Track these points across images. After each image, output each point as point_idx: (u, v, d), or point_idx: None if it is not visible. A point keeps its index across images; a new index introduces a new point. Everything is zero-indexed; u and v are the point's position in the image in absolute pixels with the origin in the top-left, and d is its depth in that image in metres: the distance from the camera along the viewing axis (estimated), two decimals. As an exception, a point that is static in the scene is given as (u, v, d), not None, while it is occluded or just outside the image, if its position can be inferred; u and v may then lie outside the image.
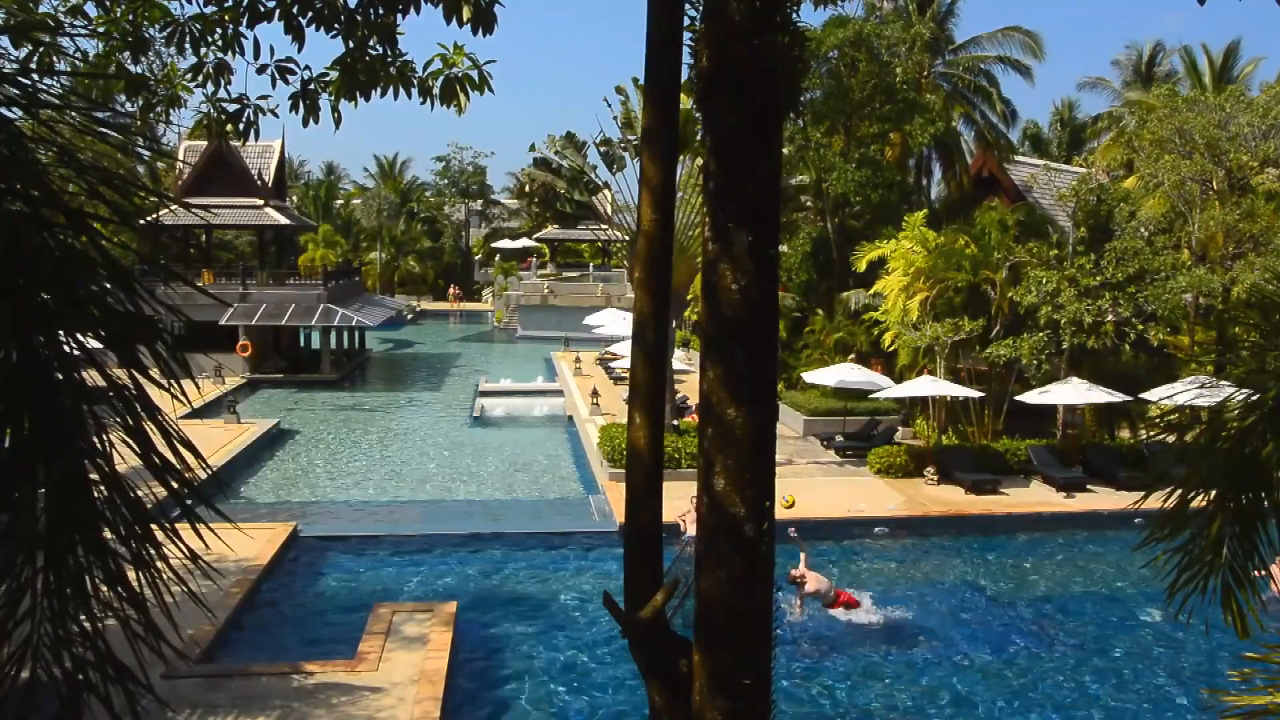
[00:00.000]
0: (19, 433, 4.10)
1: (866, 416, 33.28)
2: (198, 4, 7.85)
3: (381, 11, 7.89)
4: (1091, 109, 68.99)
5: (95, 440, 4.25)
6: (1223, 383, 6.66)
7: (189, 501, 4.52)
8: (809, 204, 42.86)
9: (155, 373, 4.44)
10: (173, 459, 4.39)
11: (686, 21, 5.35)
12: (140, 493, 4.41)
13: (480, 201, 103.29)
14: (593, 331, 48.63)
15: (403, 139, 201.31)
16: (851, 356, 33.05)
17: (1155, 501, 6.37)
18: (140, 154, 9.28)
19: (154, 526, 4.42)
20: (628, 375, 6.20)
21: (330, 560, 22.05)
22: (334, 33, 7.88)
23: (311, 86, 8.26)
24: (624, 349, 40.77)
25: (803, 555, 19.35)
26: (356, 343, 56.87)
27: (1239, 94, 34.90)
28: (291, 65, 8.22)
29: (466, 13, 7.51)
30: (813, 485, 27.32)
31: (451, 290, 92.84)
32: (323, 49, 8.19)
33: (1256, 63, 50.68)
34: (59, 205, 4.23)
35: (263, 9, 7.74)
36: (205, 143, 47.37)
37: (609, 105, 31.79)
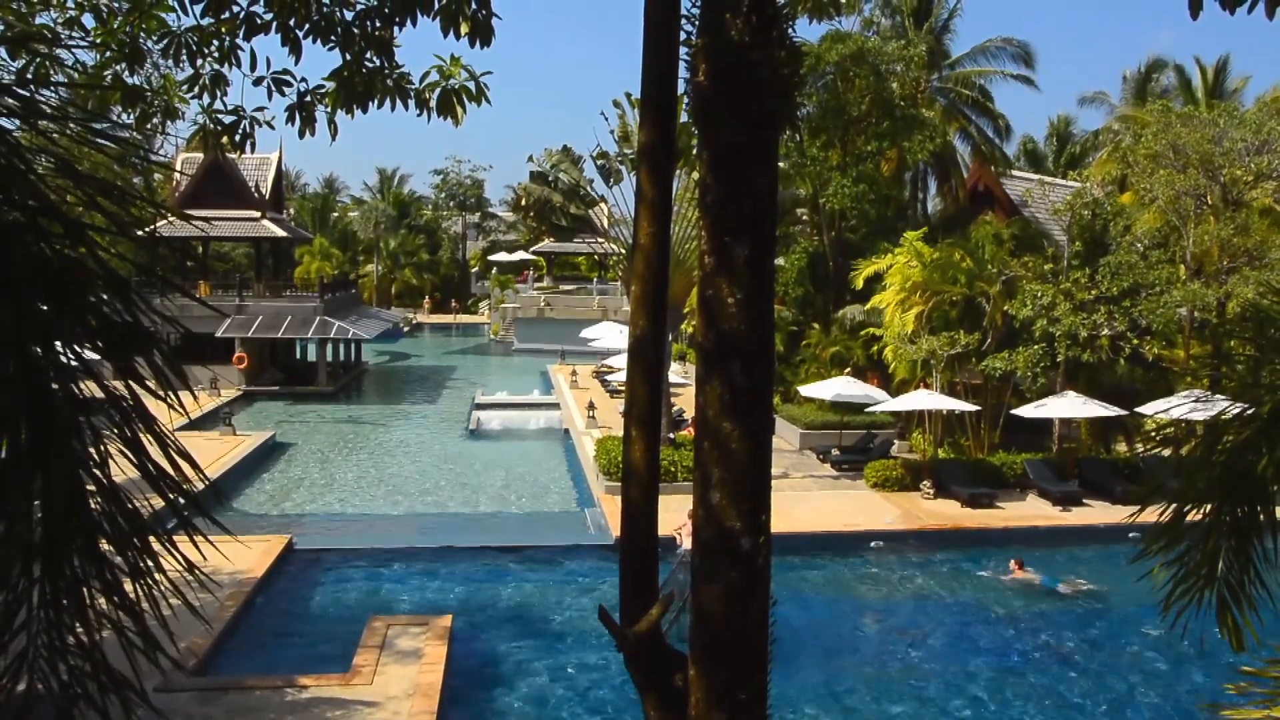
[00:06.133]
0: (16, 442, 4.09)
1: (863, 430, 33.31)
2: (194, 16, 7.86)
3: (379, 24, 7.90)
4: (1091, 125, 69.13)
5: (92, 451, 4.24)
6: (1218, 397, 6.68)
7: (186, 513, 4.51)
8: (805, 217, 42.96)
9: (152, 383, 4.44)
10: (170, 470, 4.38)
11: (683, 35, 5.37)
12: (136, 503, 4.40)
13: (478, 214, 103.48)
14: (589, 344, 48.67)
15: (400, 153, 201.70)
16: (848, 370, 33.08)
17: (1151, 515, 6.37)
18: (138, 165, 9.31)
19: (151, 537, 4.41)
20: (624, 388, 6.19)
21: (325, 573, 22.00)
22: (330, 45, 7.89)
23: (308, 98, 8.26)
24: (620, 362, 40.80)
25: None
26: (352, 355, 56.85)
27: (1232, 109, 35.07)
28: (288, 77, 8.23)
29: (464, 26, 7.53)
30: (809, 498, 27.32)
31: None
32: (319, 61, 8.22)
33: (1247, 80, 51.05)
34: (57, 215, 4.23)
35: (259, 21, 7.75)
36: (203, 155, 47.36)
37: (605, 119, 31.97)
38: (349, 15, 7.84)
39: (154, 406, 4.48)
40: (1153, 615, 18.86)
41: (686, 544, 17.97)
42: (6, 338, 4.05)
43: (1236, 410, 6.06)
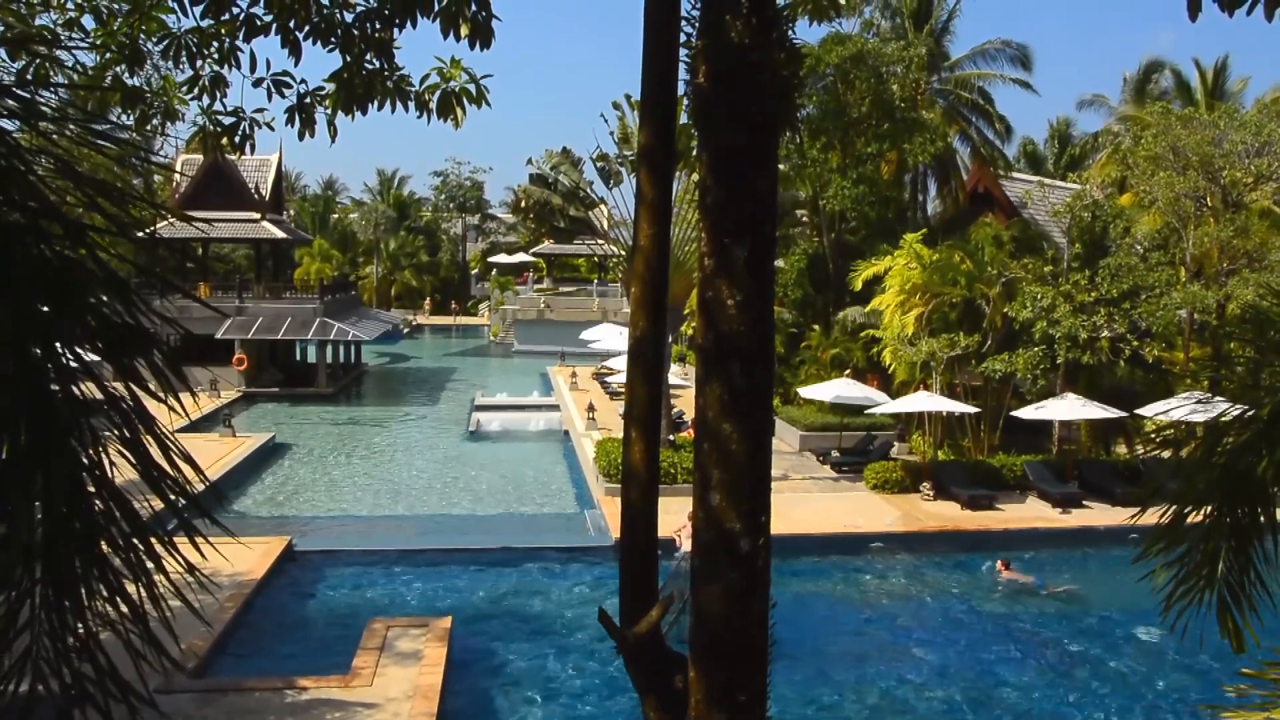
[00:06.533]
0: (16, 442, 4.09)
1: (863, 432, 33.29)
2: (194, 18, 7.86)
3: (378, 26, 7.90)
4: (1091, 127, 69.09)
5: (93, 452, 4.23)
6: (1218, 398, 6.67)
7: (186, 514, 4.51)
8: (805, 219, 42.94)
9: (152, 385, 4.44)
10: (170, 471, 4.38)
11: (683, 37, 5.37)
12: (137, 504, 4.40)
13: (477, 216, 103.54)
14: (589, 346, 48.65)
15: (400, 155, 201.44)
16: (848, 372, 33.08)
17: (1151, 517, 6.37)
18: (138, 167, 9.31)
19: (152, 539, 4.41)
20: (624, 390, 6.19)
21: (325, 574, 21.98)
22: (330, 47, 7.89)
23: (308, 100, 8.26)
24: (620, 364, 40.79)
25: None
26: (352, 357, 56.86)
27: (1232, 111, 35.08)
28: (288, 79, 8.23)
29: (464, 28, 7.53)
30: (809, 500, 27.31)
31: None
32: (319, 62, 8.23)
33: (1246, 81, 51.07)
34: (57, 216, 4.23)
35: (259, 23, 7.74)
36: (202, 156, 47.31)
37: (605, 121, 31.99)
38: (349, 17, 7.84)
39: (154, 408, 4.48)
40: (1143, 616, 18.92)
41: (686, 546, 17.96)
42: (6, 338, 4.05)
43: (1236, 412, 6.06)
